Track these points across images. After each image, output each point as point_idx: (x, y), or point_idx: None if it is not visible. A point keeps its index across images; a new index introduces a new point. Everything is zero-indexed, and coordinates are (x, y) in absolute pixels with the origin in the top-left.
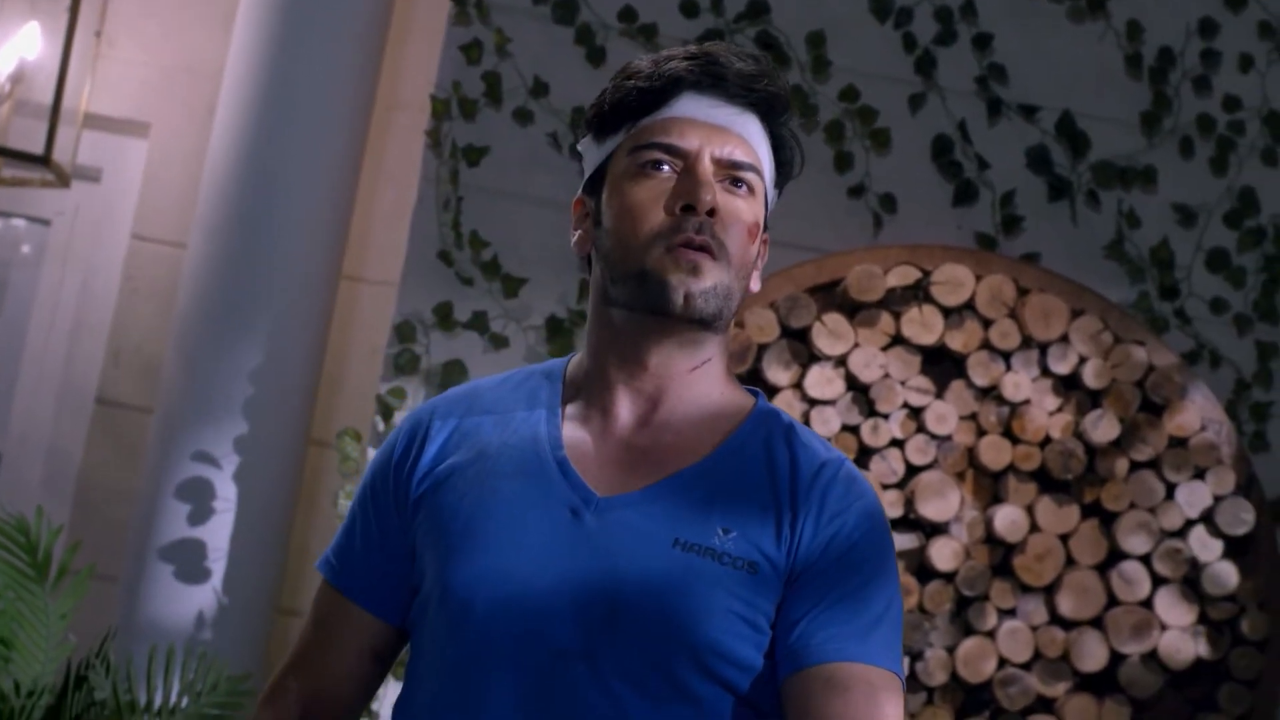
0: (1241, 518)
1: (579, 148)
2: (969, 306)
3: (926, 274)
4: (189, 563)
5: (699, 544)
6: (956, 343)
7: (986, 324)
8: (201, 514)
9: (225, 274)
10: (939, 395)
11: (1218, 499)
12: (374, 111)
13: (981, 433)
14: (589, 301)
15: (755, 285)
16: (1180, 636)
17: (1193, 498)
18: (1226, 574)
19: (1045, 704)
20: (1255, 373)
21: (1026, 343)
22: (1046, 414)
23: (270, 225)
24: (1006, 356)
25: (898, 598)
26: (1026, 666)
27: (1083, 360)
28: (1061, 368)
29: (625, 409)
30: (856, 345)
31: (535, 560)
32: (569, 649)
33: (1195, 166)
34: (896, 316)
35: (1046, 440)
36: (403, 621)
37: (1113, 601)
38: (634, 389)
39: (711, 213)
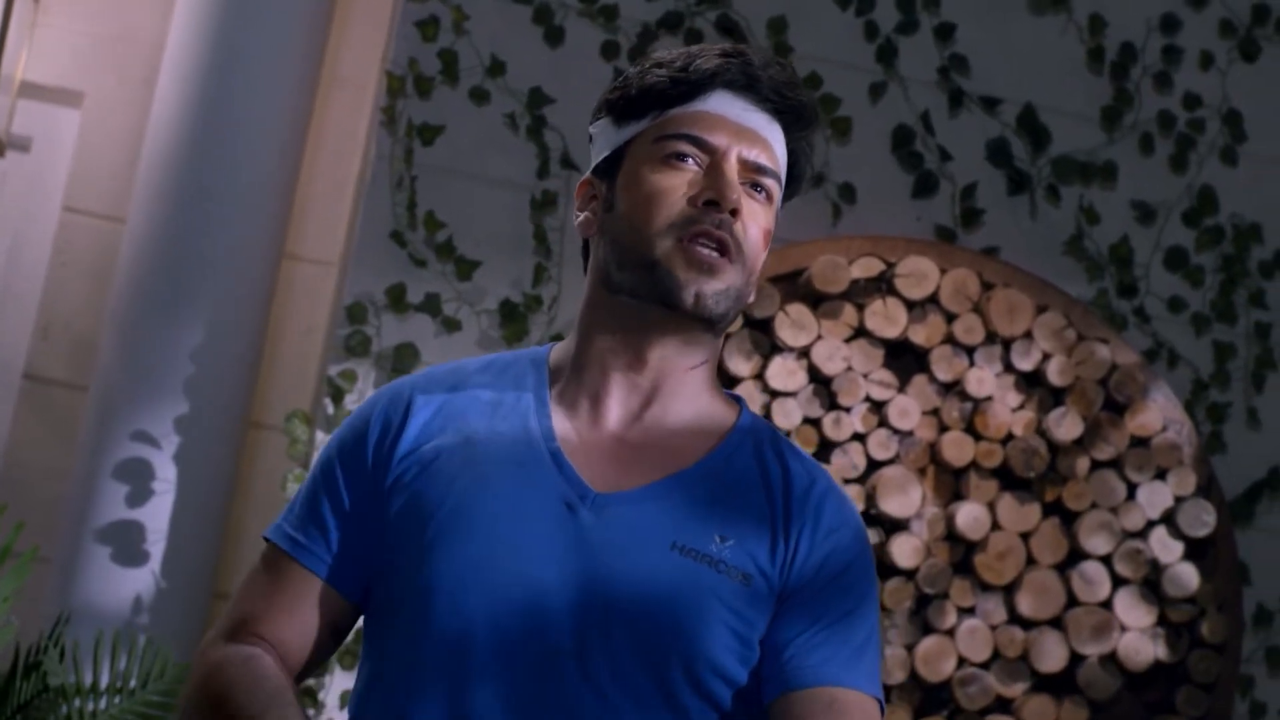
0: (1202, 519)
1: (592, 129)
2: (933, 300)
3: (890, 266)
4: (127, 545)
5: (697, 549)
6: (920, 336)
7: (950, 318)
8: (140, 495)
9: (166, 250)
10: (901, 389)
11: (1179, 500)
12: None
13: (944, 428)
14: (587, 286)
15: (752, 295)
16: (1140, 638)
17: (1154, 498)
18: (1187, 576)
19: (1004, 704)
20: (1213, 373)
21: (990, 338)
22: (1009, 411)
23: (213, 201)
24: (970, 351)
25: (878, 620)
26: (985, 666)
27: (1046, 357)
28: (1025, 364)
29: (618, 400)
30: (819, 337)
31: (530, 554)
32: (562, 647)
33: (1155, 164)
34: (860, 308)
35: (1009, 437)
36: (361, 598)
37: (1073, 602)
38: (630, 381)
39: (734, 212)
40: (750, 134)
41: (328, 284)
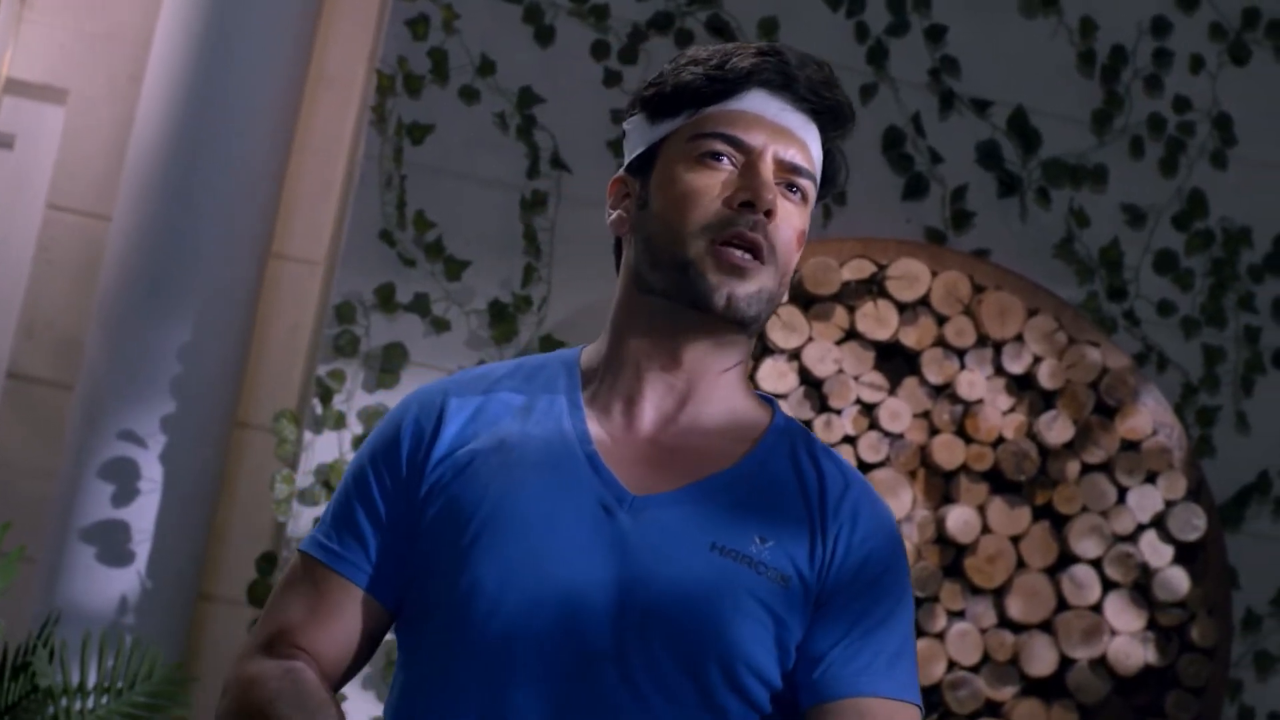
0: (1193, 523)
1: (625, 126)
2: (924, 302)
3: (881, 268)
4: (113, 545)
5: (736, 550)
6: (911, 339)
7: (941, 320)
8: (126, 495)
9: (152, 248)
10: (892, 392)
11: (1169, 504)
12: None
13: (934, 431)
14: (619, 285)
15: (784, 296)
16: (1130, 642)
17: (1144, 502)
18: (1177, 580)
19: (993, 708)
20: (1202, 377)
21: (981, 341)
22: (1000, 414)
23: (199, 199)
24: (961, 354)
25: (914, 623)
26: (975, 669)
27: (1037, 360)
28: (1016, 367)
29: (652, 402)
30: (810, 339)
31: (568, 557)
32: (601, 651)
33: (1145, 167)
34: (851, 311)
35: (999, 440)
36: (396, 605)
37: (1063, 605)
38: (665, 382)
39: (769, 214)
40: (786, 133)
41: (313, 283)
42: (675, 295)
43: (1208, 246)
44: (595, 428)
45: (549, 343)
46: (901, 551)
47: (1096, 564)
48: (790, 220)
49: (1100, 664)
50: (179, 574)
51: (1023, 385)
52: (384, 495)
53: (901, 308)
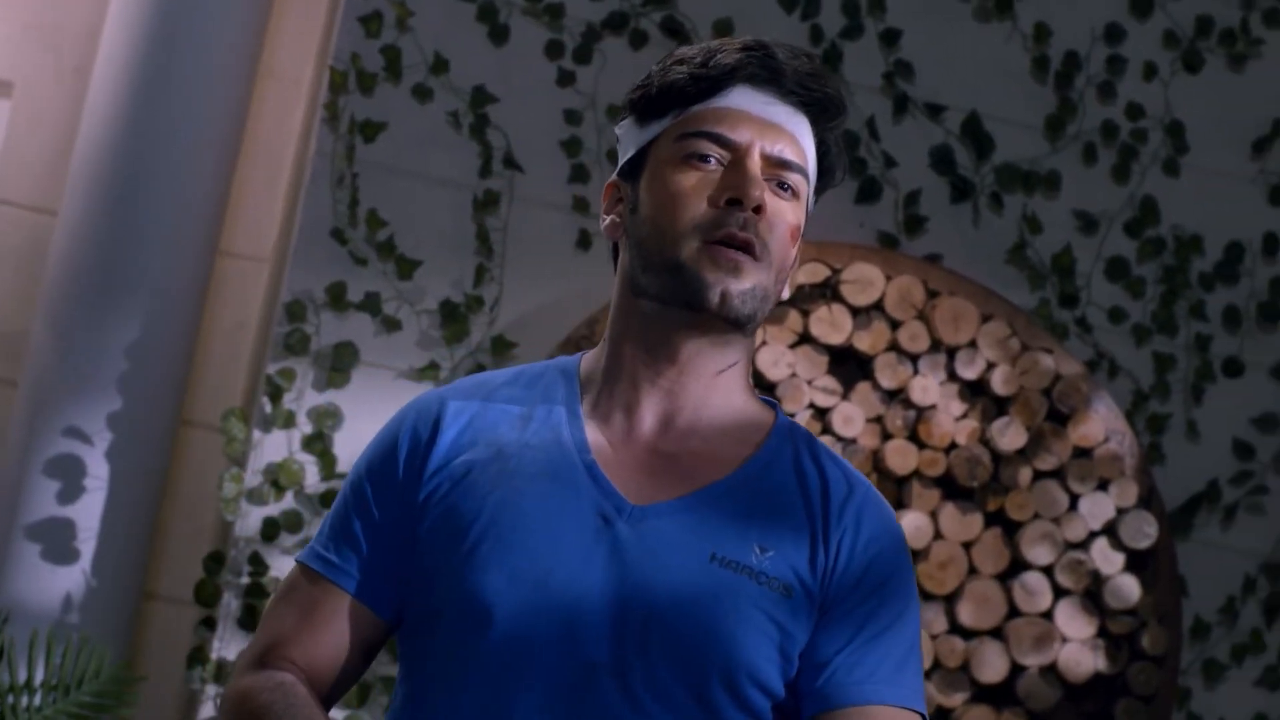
0: (1144, 531)
1: (617, 130)
2: (878, 307)
3: (835, 272)
4: (57, 543)
5: (737, 561)
6: (864, 344)
7: (895, 325)
8: (72, 492)
9: (98, 243)
10: (845, 397)
11: (1120, 511)
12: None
13: (887, 436)
14: (614, 291)
15: (785, 292)
16: (1080, 649)
17: (1096, 509)
18: (1128, 588)
19: (943, 714)
20: (1153, 385)
21: (935, 346)
22: (953, 419)
23: (148, 195)
24: (914, 360)
25: (919, 629)
26: (926, 676)
27: (990, 366)
28: (969, 373)
29: (650, 410)
30: (764, 343)
31: (567, 567)
32: (600, 662)
33: (1097, 173)
34: (805, 315)
35: (952, 446)
36: (394, 617)
37: (1014, 612)
38: (661, 388)
39: (758, 210)
40: (774, 128)
41: (259, 280)
42: (668, 297)
43: (1159, 254)
44: (594, 436)
45: (500, 343)
46: (906, 556)
47: (1048, 571)
48: (782, 216)
49: (1050, 671)
50: (123, 572)
51: (976, 391)
52: (381, 505)
53: (855, 312)
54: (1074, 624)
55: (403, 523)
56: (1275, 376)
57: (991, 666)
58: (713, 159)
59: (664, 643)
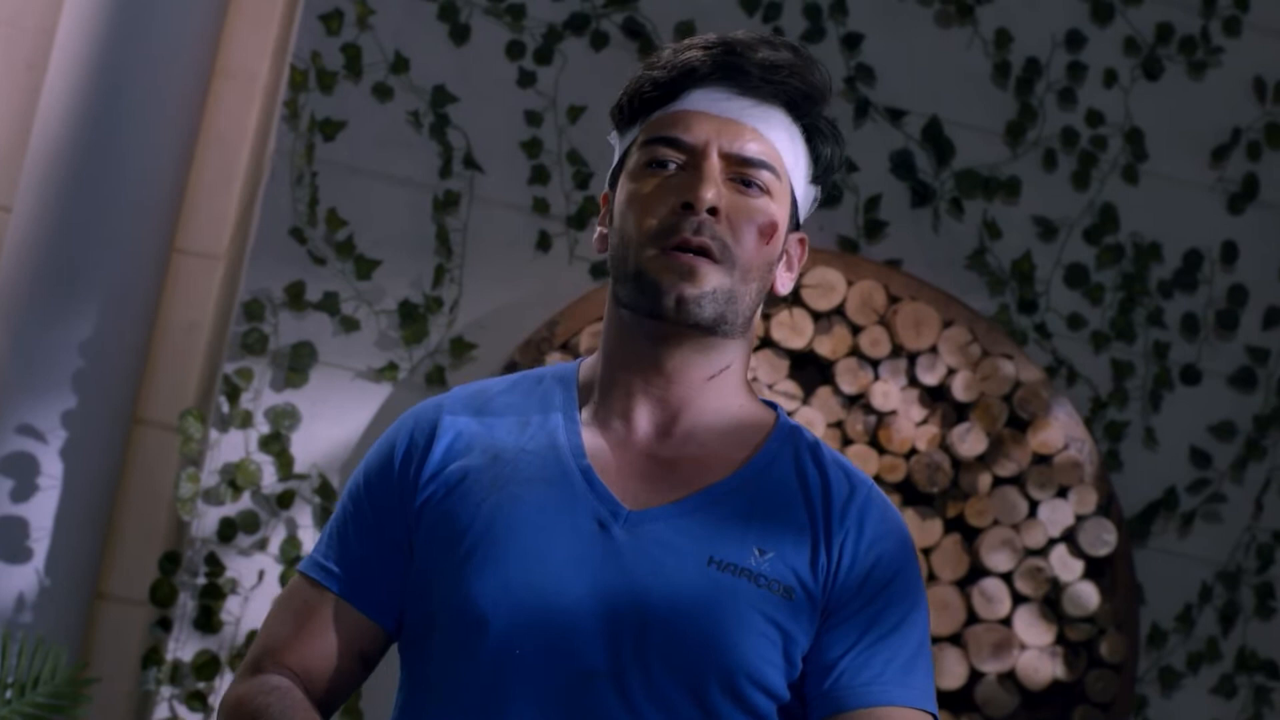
0: (1103, 538)
1: (610, 141)
2: (839, 312)
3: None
4: (10, 541)
5: (735, 564)
6: (825, 348)
7: (856, 330)
8: (25, 490)
9: (53, 240)
10: (806, 401)
11: (1079, 518)
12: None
13: (848, 441)
14: (606, 302)
15: (784, 287)
16: (1039, 656)
17: (1055, 516)
18: (1087, 595)
19: None
20: (1111, 392)
21: (896, 351)
22: (913, 425)
23: (103, 192)
24: (875, 365)
25: (928, 629)
26: None
27: (951, 372)
28: (930, 379)
29: (645, 417)
30: None
31: (562, 573)
32: (596, 669)
33: (1057, 180)
34: (766, 318)
35: (912, 452)
36: (393, 625)
37: (973, 618)
38: (653, 396)
39: (714, 211)
40: (732, 125)
41: (212, 278)
42: (636, 307)
43: (1118, 261)
44: (592, 442)
45: (459, 345)
46: (913, 556)
47: (1007, 577)
48: (746, 214)
49: (1009, 678)
50: (77, 572)
51: (936, 397)
52: (377, 512)
53: (816, 316)
54: (1033, 631)
55: (399, 529)
56: (1233, 384)
57: (950, 673)
58: (671, 164)
59: (661, 648)
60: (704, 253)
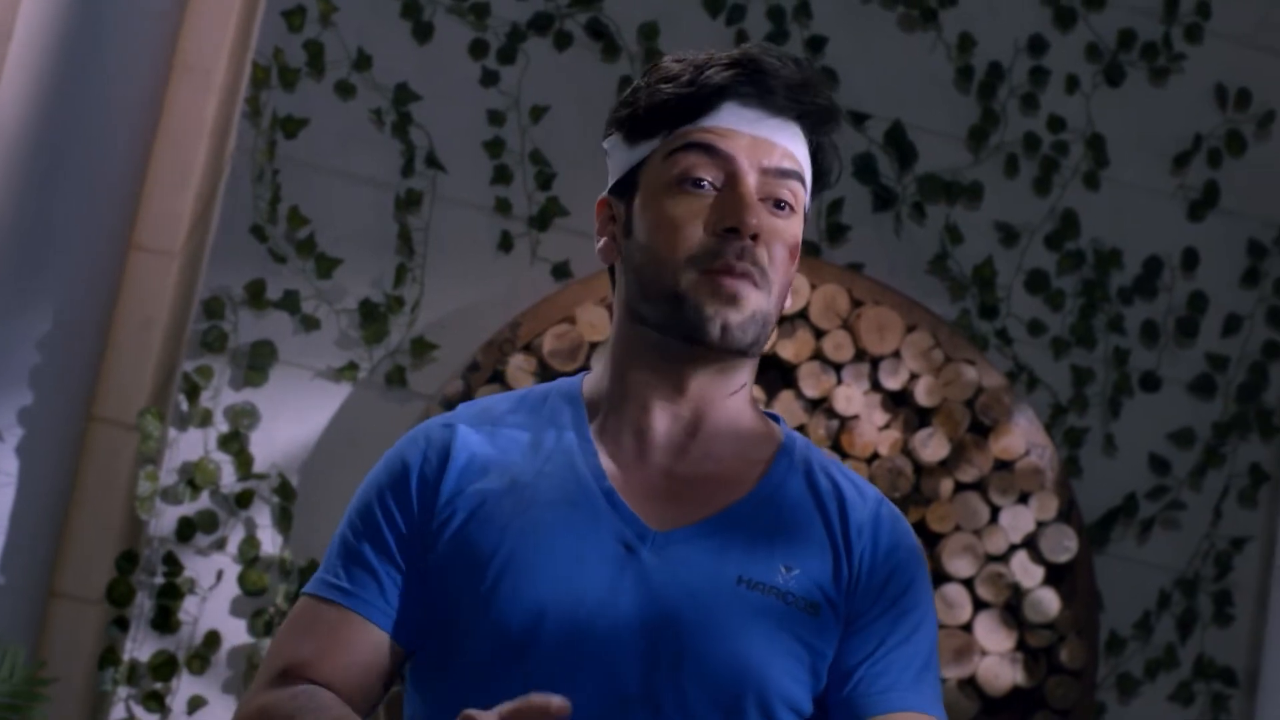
0: (1064, 545)
1: (604, 145)
2: (802, 315)
3: None
4: None
5: (763, 582)
6: (788, 352)
7: (819, 334)
8: None
9: (10, 237)
10: (768, 405)
11: (1040, 524)
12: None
13: None
14: (615, 315)
15: (790, 305)
16: (999, 662)
17: (1016, 522)
18: (1047, 601)
19: None
20: (1071, 398)
21: (859, 356)
22: (876, 429)
23: (62, 188)
24: (838, 369)
25: (937, 637)
26: None
27: (914, 377)
28: (892, 383)
29: (662, 434)
30: None
31: (595, 598)
32: (630, 694)
33: (1019, 185)
34: None
35: (874, 456)
36: (409, 644)
37: None
38: (672, 413)
39: (755, 237)
40: (765, 144)
41: (168, 275)
42: (668, 328)
43: (1078, 267)
44: (607, 462)
45: (420, 345)
46: (924, 565)
47: (968, 583)
48: (780, 237)
49: (970, 684)
50: (31, 570)
51: (899, 401)
52: (394, 531)
53: (779, 320)
54: (993, 637)
55: (418, 551)
56: (1192, 391)
57: None
58: (706, 183)
59: (696, 670)
60: (746, 278)
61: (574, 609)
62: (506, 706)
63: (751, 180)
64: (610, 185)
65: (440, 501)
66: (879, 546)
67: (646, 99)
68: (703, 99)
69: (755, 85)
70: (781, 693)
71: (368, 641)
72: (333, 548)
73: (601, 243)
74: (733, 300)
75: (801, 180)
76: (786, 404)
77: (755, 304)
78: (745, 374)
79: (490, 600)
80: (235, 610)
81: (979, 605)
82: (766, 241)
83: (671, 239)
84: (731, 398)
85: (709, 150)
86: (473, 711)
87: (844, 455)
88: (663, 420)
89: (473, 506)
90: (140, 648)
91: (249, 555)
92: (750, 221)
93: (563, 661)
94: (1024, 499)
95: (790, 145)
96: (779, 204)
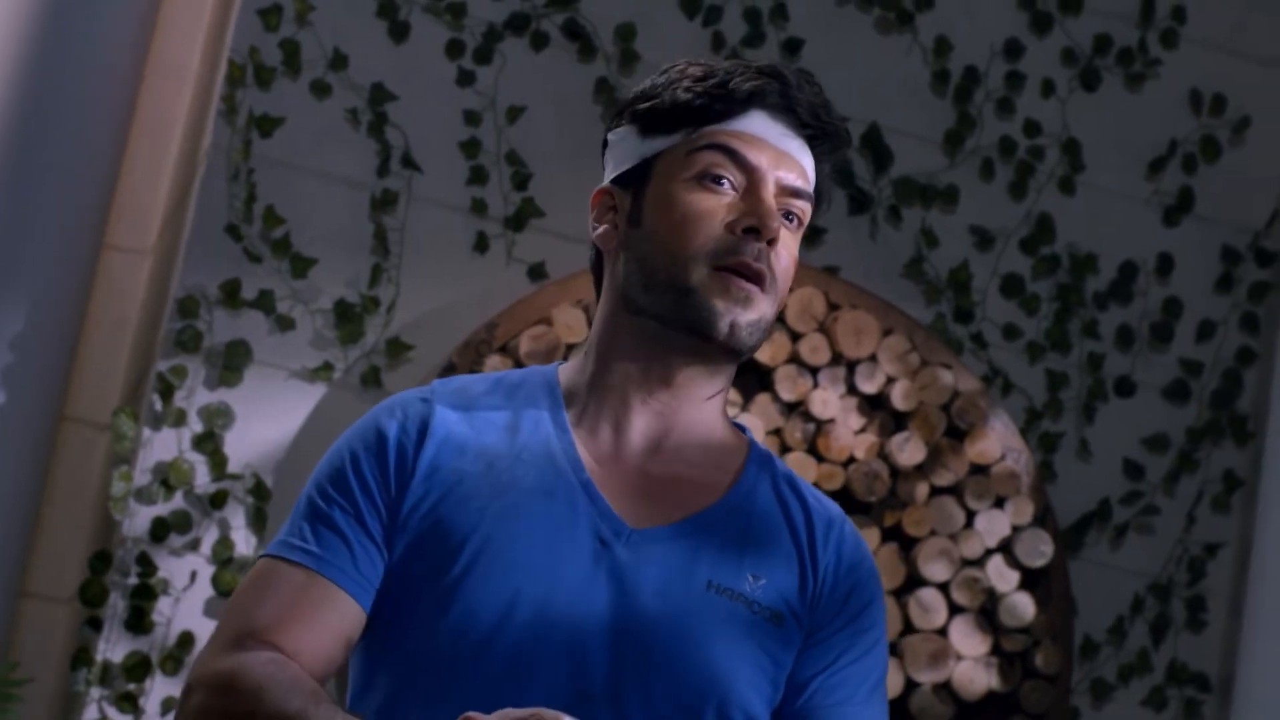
0: (1040, 549)
1: (610, 135)
2: (778, 318)
3: None
4: None
5: (731, 589)
6: (764, 355)
7: (795, 337)
8: None
9: None
10: (744, 408)
11: (1016, 529)
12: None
13: (786, 449)
14: (603, 305)
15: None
16: (974, 667)
17: (992, 526)
18: (1023, 606)
19: None
20: (1046, 402)
21: (835, 359)
22: (852, 433)
23: (35, 186)
24: (814, 372)
25: (887, 652)
26: None
27: (890, 380)
28: (869, 387)
29: (640, 428)
30: None
31: (568, 591)
32: (594, 691)
33: (995, 189)
34: None
35: (850, 460)
36: (371, 611)
37: (909, 628)
38: (652, 409)
39: (771, 242)
40: (788, 159)
41: (139, 274)
42: (670, 320)
43: (1054, 272)
44: (585, 454)
45: (396, 345)
46: (879, 583)
47: (944, 587)
48: (788, 247)
49: (944, 688)
50: (2, 570)
51: (875, 405)
52: (367, 499)
53: None
54: (969, 641)
55: (384, 518)
56: (1166, 397)
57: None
58: (727, 182)
59: (661, 671)
60: (759, 280)
61: (546, 600)
62: (513, 714)
63: (772, 187)
64: (614, 175)
65: (417, 476)
66: (842, 562)
67: (670, 96)
68: (734, 103)
69: (783, 98)
70: (742, 703)
71: (335, 607)
72: (298, 510)
73: (601, 229)
74: (744, 300)
75: (810, 200)
76: (763, 407)
77: (761, 309)
78: (726, 379)
79: (462, 582)
80: (209, 611)
81: (954, 610)
82: (778, 250)
83: (687, 231)
84: (708, 402)
85: (733, 155)
86: (474, 715)
87: (820, 459)
88: (642, 415)
89: (449, 484)
90: (113, 649)
91: (223, 556)
92: (772, 225)
93: (528, 652)
94: (1000, 503)
95: (806, 164)
96: (788, 217)
